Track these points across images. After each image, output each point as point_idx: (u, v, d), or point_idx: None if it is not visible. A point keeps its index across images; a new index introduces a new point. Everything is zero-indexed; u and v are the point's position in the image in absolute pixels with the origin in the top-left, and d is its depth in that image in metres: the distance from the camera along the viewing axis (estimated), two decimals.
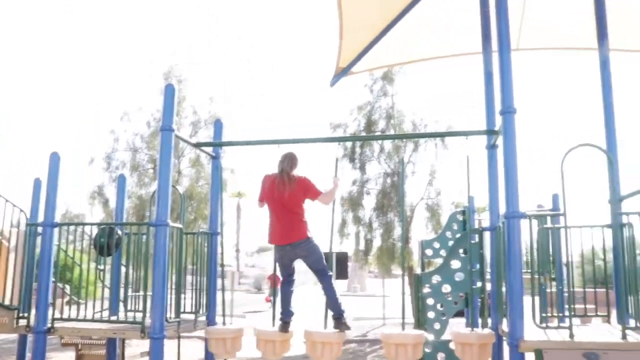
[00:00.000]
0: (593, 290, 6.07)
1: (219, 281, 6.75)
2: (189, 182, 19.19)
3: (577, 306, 5.56)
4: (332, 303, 5.87)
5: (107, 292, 6.95)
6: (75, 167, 19.60)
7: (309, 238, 5.82)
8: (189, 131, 19.65)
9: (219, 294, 6.68)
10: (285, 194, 5.72)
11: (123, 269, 6.88)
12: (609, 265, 5.73)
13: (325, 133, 18.22)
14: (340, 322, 5.73)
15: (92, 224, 6.74)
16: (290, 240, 5.80)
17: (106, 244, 6.18)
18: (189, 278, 6.85)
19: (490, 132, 6.06)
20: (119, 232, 6.57)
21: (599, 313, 6.00)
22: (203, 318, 6.53)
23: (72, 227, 6.37)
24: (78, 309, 6.23)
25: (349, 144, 17.90)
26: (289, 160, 5.87)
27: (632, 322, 5.01)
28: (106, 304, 6.82)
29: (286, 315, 5.89)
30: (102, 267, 6.73)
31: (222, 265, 6.88)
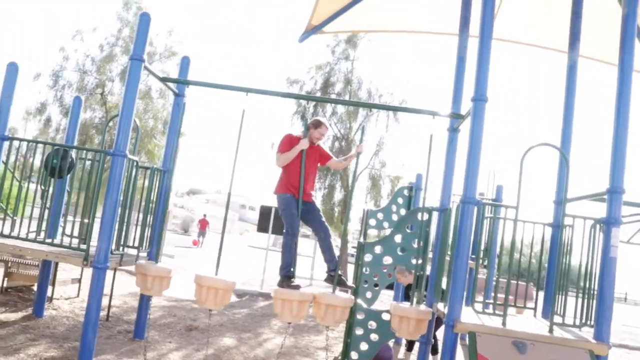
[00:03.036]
0: (521, 282, 6.39)
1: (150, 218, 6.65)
2: (136, 114, 18.66)
3: (502, 295, 5.81)
4: (330, 253, 6.19)
5: (37, 213, 6.72)
6: (18, 80, 18.72)
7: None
8: None
9: (148, 232, 6.60)
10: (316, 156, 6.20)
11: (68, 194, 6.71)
12: (534, 261, 6.02)
13: (280, 88, 18.05)
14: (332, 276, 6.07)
15: (46, 143, 6.44)
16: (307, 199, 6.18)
17: (58, 166, 5.98)
18: (134, 213, 6.74)
19: (456, 116, 6.18)
20: (72, 155, 6.38)
21: (521, 305, 6.32)
22: (145, 254, 6.49)
23: (15, 143, 6.03)
24: (12, 226, 6.04)
25: (303, 101, 17.81)
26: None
27: (557, 319, 5.32)
28: (39, 226, 6.61)
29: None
30: (45, 188, 6.48)
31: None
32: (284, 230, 6.00)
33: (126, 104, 5.49)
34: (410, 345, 7.69)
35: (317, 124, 6.15)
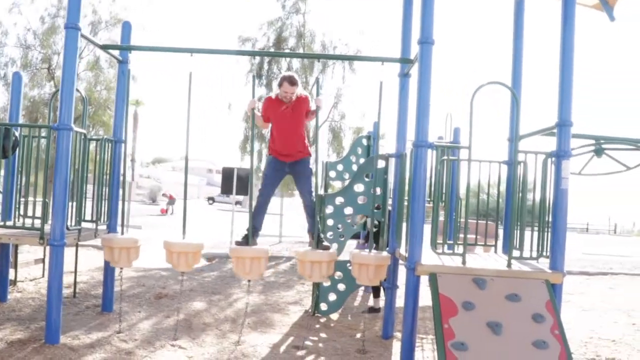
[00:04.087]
0: (484, 221, 6.51)
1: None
2: (87, 86, 18.11)
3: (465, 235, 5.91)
4: (312, 221, 6.02)
5: None
6: None
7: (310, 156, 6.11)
8: (87, 32, 18.35)
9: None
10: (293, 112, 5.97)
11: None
12: (496, 199, 6.11)
13: (233, 47, 17.73)
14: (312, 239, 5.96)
15: None
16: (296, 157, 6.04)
17: (2, 145, 5.80)
18: (88, 186, 6.63)
19: (405, 61, 6.15)
20: (16, 134, 6.18)
21: (485, 243, 6.46)
22: (104, 227, 6.40)
23: None
24: None
25: (257, 59, 17.55)
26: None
27: (516, 253, 5.45)
28: None
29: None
30: None
31: (124, 175, 6.69)
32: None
33: (66, 75, 5.33)
34: (375, 291, 7.82)
35: (279, 83, 5.98)
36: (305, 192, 6.03)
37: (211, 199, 55.40)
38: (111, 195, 6.44)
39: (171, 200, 33.95)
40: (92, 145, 6.66)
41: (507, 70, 6.39)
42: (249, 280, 5.89)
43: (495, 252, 6.29)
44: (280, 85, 5.93)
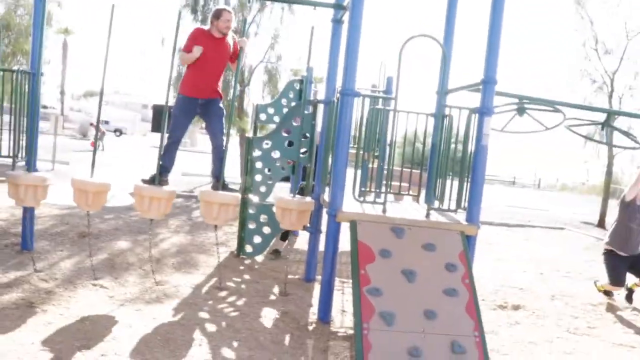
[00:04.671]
0: (409, 170, 6.65)
1: (41, 124, 6.31)
2: (6, 11, 16.95)
3: (393, 184, 6.03)
4: (219, 165, 5.94)
5: None
6: None
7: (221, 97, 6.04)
8: None
9: (40, 138, 6.29)
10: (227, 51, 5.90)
11: None
12: (426, 150, 6.24)
13: None
14: (217, 182, 5.89)
15: None
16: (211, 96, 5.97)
17: None
18: (5, 118, 6.32)
19: (338, 7, 6.08)
20: None
21: (411, 192, 6.62)
22: (23, 163, 6.16)
23: None
24: None
25: None
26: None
27: (436, 203, 5.62)
28: None
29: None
30: None
31: (45, 107, 6.42)
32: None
33: None
34: (283, 235, 7.95)
35: (218, 14, 5.83)
36: (218, 132, 5.99)
37: (118, 131, 52.74)
38: (30, 129, 6.16)
39: (101, 135, 32.68)
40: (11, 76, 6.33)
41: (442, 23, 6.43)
42: (151, 220, 5.83)
43: (417, 202, 6.47)
44: (219, 16, 5.80)
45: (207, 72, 5.87)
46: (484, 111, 4.98)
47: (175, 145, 6.02)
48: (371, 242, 4.65)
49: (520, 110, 6.16)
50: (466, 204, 5.22)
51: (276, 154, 7.09)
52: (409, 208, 5.82)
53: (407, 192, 6.51)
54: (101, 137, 32.95)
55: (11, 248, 6.62)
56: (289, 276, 6.66)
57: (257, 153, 7.10)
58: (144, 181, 5.73)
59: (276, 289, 6.11)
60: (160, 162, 5.80)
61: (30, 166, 6.12)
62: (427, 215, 5.12)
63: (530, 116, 6.26)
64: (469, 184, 5.23)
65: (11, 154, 6.04)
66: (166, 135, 5.94)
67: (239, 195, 5.88)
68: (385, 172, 5.79)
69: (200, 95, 5.93)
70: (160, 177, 5.76)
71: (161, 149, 5.84)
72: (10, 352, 3.88)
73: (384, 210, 5.03)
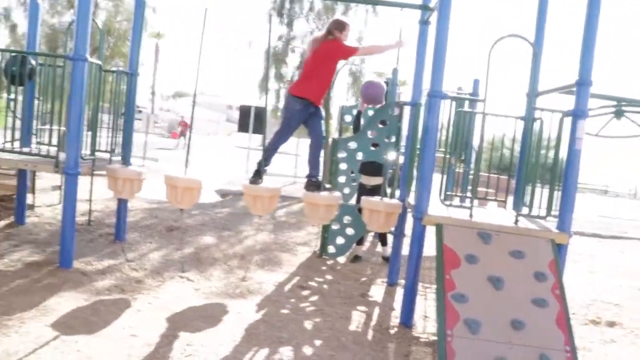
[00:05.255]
0: (496, 176, 6.47)
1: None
2: (107, 17, 17.90)
3: (479, 189, 5.90)
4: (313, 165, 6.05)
5: (17, 123, 6.68)
6: None
7: None
8: None
9: (134, 136, 6.63)
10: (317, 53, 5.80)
11: (36, 101, 6.60)
12: (515, 155, 6.05)
13: None
14: (311, 182, 5.97)
15: (2, 50, 6.26)
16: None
17: (18, 73, 5.82)
18: (105, 117, 6.69)
19: (425, 8, 6.00)
20: (33, 62, 6.20)
21: (497, 198, 6.44)
22: (119, 158, 6.50)
23: None
24: None
25: None
26: (334, 24, 5.86)
27: (525, 210, 5.44)
28: (16, 135, 6.58)
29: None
30: (12, 96, 6.36)
31: (137, 107, 6.75)
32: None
33: (81, 5, 5.29)
34: (383, 240, 7.84)
35: (343, 27, 5.86)
36: (316, 134, 6.01)
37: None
38: (125, 127, 6.50)
39: (184, 129, 33.29)
40: (110, 76, 6.69)
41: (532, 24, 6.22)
42: (260, 216, 5.96)
43: (505, 207, 6.29)
44: (343, 29, 5.83)
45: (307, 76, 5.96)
46: (578, 114, 4.76)
47: (278, 145, 6.11)
48: (457, 246, 4.56)
49: (618, 113, 5.86)
50: (557, 212, 5.01)
51: (360, 156, 7.10)
52: (496, 214, 5.67)
53: (493, 198, 6.34)
54: (183, 135, 33.87)
55: (105, 238, 7.00)
56: (372, 279, 6.65)
57: (342, 154, 7.13)
58: (253, 181, 5.88)
59: (358, 291, 6.11)
60: (263, 161, 5.92)
61: (126, 161, 6.45)
62: (516, 221, 4.96)
63: (629, 119, 5.94)
64: (559, 191, 5.03)
65: (109, 150, 6.38)
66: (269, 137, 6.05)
67: (340, 195, 5.93)
68: (471, 176, 5.66)
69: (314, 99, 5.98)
70: (260, 176, 5.90)
71: (264, 149, 5.96)
72: (104, 335, 4.12)
73: (471, 215, 4.92)
